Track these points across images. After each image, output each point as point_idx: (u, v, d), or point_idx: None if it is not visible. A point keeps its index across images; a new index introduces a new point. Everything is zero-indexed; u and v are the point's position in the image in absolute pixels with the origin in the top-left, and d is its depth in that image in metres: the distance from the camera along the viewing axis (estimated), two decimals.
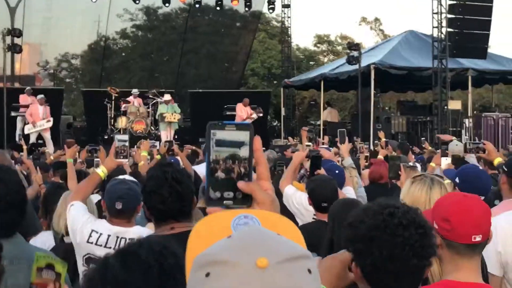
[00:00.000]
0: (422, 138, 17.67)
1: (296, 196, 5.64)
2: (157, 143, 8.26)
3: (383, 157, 9.19)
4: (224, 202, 1.45)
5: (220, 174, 1.44)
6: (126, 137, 4.69)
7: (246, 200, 1.46)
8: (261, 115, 23.46)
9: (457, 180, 4.45)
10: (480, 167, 6.67)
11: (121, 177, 4.72)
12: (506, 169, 4.86)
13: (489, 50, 23.69)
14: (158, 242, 1.88)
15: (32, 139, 20.53)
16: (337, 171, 5.83)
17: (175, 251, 1.84)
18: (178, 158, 9.25)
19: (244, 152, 1.45)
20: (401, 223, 2.08)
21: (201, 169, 7.91)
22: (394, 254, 2.06)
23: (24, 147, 13.06)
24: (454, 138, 8.63)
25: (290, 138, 20.53)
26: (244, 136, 1.45)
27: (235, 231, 1.31)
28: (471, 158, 6.53)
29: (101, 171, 4.42)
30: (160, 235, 3.37)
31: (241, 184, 1.44)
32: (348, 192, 5.72)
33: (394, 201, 2.25)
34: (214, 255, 1.18)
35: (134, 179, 4.59)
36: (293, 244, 1.22)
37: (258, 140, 1.48)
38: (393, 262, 2.06)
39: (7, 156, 6.43)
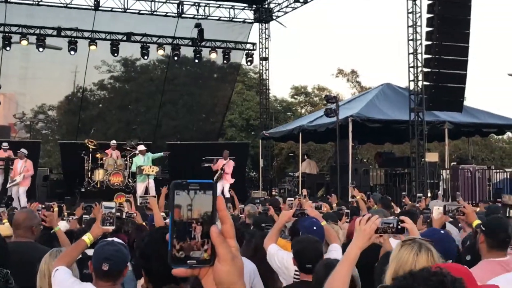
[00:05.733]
0: (403, 193, 17.66)
1: (278, 255, 5.79)
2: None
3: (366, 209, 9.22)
4: (188, 261, 1.49)
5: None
6: (113, 204, 4.72)
7: (209, 260, 1.50)
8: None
9: None
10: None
11: (110, 239, 4.67)
12: (484, 229, 5.01)
13: (465, 103, 24.01)
14: None
15: (12, 193, 20.51)
16: (315, 228, 5.82)
17: None
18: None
19: (209, 212, 1.49)
20: None
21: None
22: None
23: None
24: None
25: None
26: (208, 196, 1.50)
27: None
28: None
29: (87, 238, 4.41)
30: None
31: (214, 229, 1.48)
32: (335, 249, 5.71)
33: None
34: None
35: (122, 241, 4.53)
36: None
37: (221, 200, 1.52)
38: None
39: (36, 214, 6.48)
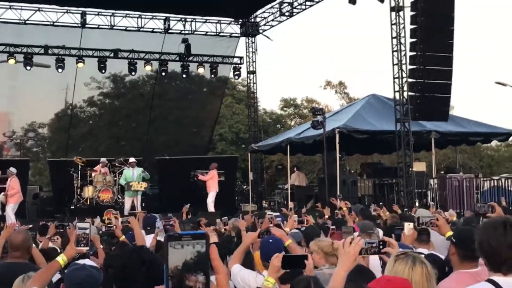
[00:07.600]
0: (394, 204, 17.65)
1: (240, 274, 5.89)
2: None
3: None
4: None
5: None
6: (87, 225, 4.72)
7: None
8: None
9: None
10: None
11: (81, 261, 4.74)
12: (454, 240, 5.04)
13: (452, 111, 24.09)
14: None
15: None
16: (270, 240, 5.98)
17: None
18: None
19: (202, 263, 1.56)
20: None
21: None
22: None
23: None
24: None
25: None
26: (200, 246, 1.56)
27: None
28: None
29: (61, 259, 4.45)
30: None
31: None
32: None
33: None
34: None
35: (95, 265, 4.61)
36: None
37: (214, 250, 1.61)
38: None
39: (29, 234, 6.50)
